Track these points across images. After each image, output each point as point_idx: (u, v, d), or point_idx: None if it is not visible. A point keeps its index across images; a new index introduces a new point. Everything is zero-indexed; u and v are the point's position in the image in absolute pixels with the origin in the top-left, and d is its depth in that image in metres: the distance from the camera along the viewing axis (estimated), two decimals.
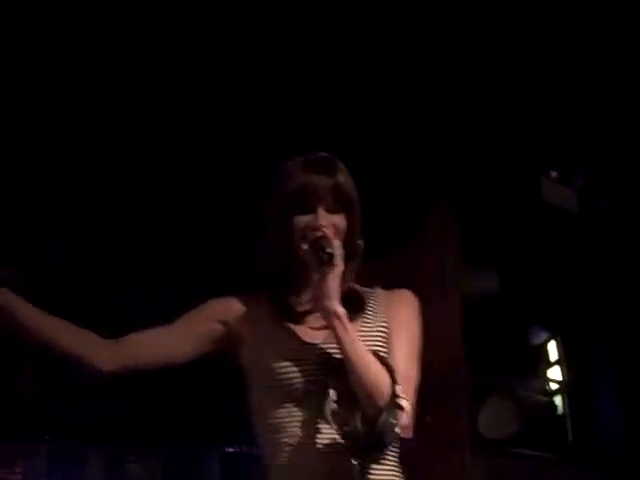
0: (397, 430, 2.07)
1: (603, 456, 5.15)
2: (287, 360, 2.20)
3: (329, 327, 2.13)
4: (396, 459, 2.24)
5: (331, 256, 2.13)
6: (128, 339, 2.30)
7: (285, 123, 4.38)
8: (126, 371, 2.28)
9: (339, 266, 2.14)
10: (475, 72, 4.40)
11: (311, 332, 2.25)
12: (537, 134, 4.64)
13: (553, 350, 5.30)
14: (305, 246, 2.19)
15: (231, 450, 6.04)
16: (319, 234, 2.19)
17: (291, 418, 2.18)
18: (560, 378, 5.27)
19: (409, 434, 2.20)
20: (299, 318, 2.28)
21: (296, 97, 4.31)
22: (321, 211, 2.23)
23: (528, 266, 4.99)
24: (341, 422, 2.11)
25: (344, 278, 2.20)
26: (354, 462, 2.10)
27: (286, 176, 2.28)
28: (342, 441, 2.11)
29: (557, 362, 5.28)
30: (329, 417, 2.12)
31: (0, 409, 5.10)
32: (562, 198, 4.78)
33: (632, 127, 4.61)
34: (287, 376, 2.19)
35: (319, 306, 2.14)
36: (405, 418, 2.11)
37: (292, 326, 2.27)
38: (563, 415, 5.23)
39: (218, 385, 5.26)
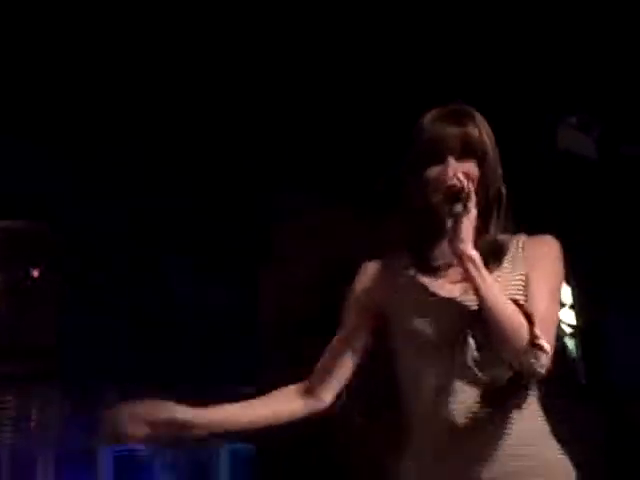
0: (539, 372, 2.09)
1: (616, 398, 5.20)
2: (423, 316, 2.24)
3: (463, 271, 2.16)
4: (537, 404, 2.27)
5: (463, 201, 2.15)
6: (318, 377, 2.42)
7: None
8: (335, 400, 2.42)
9: (472, 211, 2.15)
10: (492, 17, 4.39)
11: (449, 286, 2.27)
12: (554, 80, 4.63)
13: (567, 294, 5.33)
14: (438, 196, 2.22)
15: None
16: (450, 183, 2.20)
17: (431, 370, 2.22)
18: (574, 322, 5.31)
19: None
20: (437, 272, 2.30)
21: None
22: (451, 160, 2.24)
23: (544, 212, 4.99)
24: (482, 369, 2.15)
25: (486, 227, 2.24)
26: (495, 408, 2.16)
27: (417, 130, 2.32)
28: (481, 391, 2.17)
29: (571, 306, 5.32)
30: (471, 364, 2.15)
31: None
32: (580, 145, 4.78)
33: None
34: (424, 332, 2.24)
35: (452, 250, 2.17)
36: (545, 359, 2.11)
37: (429, 280, 2.30)
38: (576, 358, 5.28)
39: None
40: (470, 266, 2.13)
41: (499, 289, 2.15)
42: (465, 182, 2.18)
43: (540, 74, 4.56)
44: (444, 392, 2.20)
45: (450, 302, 2.24)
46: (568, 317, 5.35)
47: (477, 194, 2.19)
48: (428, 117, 2.32)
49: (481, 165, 2.26)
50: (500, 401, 2.17)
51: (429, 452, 2.25)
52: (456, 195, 2.16)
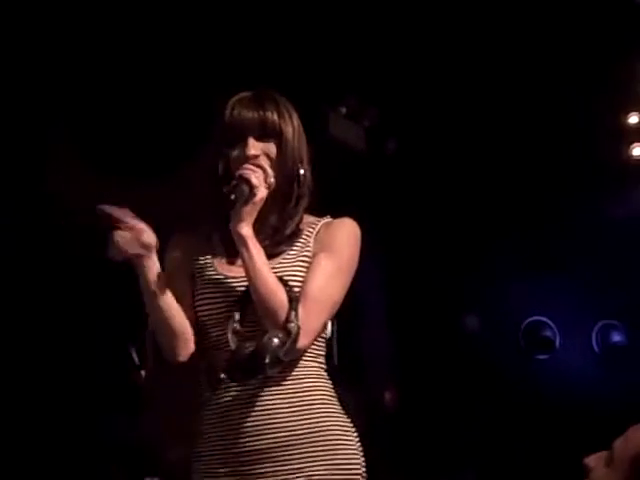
0: (281, 354, 2.14)
1: (367, 379, 5.36)
2: (209, 293, 2.35)
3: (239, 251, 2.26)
4: (318, 376, 2.36)
5: (250, 186, 2.24)
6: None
7: None
8: None
9: (260, 193, 2.26)
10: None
11: (235, 267, 2.35)
12: (329, 68, 4.68)
13: None
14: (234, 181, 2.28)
15: None
16: (245, 166, 2.30)
17: (218, 342, 2.34)
18: None
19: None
20: (231, 250, 2.35)
21: None
22: (250, 140, 2.34)
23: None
24: (241, 341, 2.23)
25: (283, 206, 2.36)
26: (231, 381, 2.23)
27: (221, 114, 2.41)
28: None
29: None
30: (230, 336, 2.24)
31: None
32: (350, 134, 4.87)
33: (420, 70, 4.75)
34: (209, 307, 2.35)
35: (231, 230, 2.26)
36: (291, 343, 2.16)
37: (221, 259, 2.40)
38: (330, 338, 5.39)
39: None
40: (242, 246, 2.25)
41: (268, 270, 2.26)
42: (262, 163, 2.30)
43: (316, 64, 4.61)
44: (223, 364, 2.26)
45: (228, 280, 2.35)
46: None
47: (277, 174, 2.32)
48: (231, 102, 2.43)
49: (279, 145, 2.35)
50: (237, 375, 2.21)
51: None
52: (243, 176, 2.26)
